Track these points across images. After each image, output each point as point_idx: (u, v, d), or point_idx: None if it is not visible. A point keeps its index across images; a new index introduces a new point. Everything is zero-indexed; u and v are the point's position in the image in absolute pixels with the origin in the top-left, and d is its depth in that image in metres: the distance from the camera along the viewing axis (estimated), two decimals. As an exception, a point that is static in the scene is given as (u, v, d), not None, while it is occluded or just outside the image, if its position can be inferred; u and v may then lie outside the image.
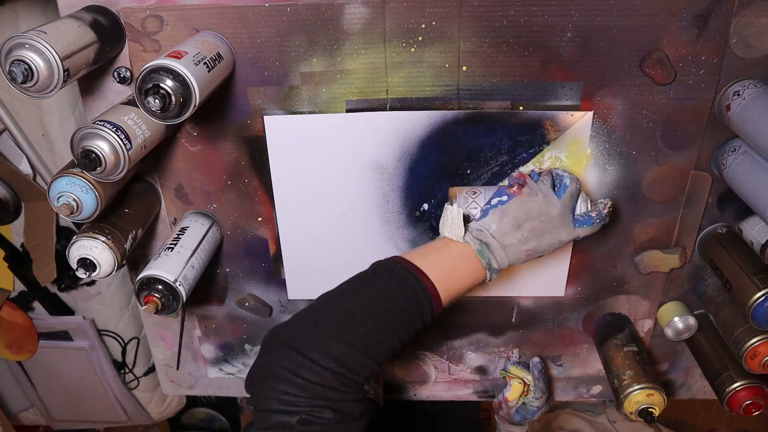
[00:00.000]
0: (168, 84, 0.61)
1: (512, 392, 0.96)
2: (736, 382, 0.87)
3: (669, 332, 0.93)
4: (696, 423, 1.98)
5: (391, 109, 0.80)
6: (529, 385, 0.96)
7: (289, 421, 0.55)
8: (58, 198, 0.67)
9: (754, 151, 0.75)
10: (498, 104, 0.79)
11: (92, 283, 1.44)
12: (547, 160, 0.82)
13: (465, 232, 0.69)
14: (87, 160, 0.62)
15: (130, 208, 0.80)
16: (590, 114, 0.79)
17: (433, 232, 0.88)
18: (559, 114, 0.79)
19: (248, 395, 0.61)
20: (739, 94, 0.73)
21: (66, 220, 1.37)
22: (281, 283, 0.95)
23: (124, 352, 1.55)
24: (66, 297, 1.48)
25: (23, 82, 0.59)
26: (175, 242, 0.81)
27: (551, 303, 0.96)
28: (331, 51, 0.76)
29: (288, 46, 0.75)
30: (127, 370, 1.59)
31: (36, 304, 1.50)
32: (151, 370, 1.62)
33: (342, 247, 0.90)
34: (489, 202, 0.72)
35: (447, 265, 0.68)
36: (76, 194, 0.67)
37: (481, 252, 0.68)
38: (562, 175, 0.74)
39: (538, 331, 1.00)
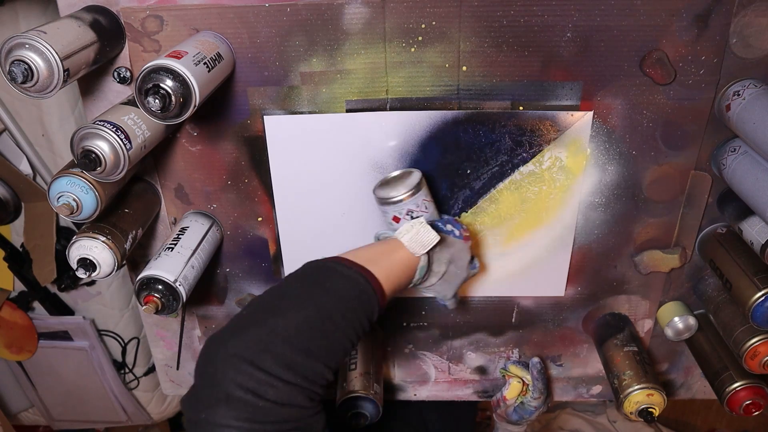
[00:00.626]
0: (168, 84, 0.61)
1: (511, 391, 0.96)
2: (736, 382, 0.87)
3: (669, 332, 0.93)
4: (696, 423, 1.98)
5: (391, 109, 0.80)
6: (528, 384, 0.96)
7: None
8: (58, 198, 0.67)
9: (754, 151, 0.75)
10: (498, 104, 0.79)
11: (92, 283, 1.44)
12: (547, 160, 0.82)
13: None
14: (87, 160, 0.62)
15: (130, 208, 0.80)
16: (590, 114, 0.79)
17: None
18: (559, 114, 0.79)
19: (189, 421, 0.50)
20: (739, 94, 0.73)
21: (66, 220, 1.37)
22: (281, 283, 0.95)
23: (124, 352, 1.55)
24: (66, 297, 1.48)
25: (23, 82, 0.59)
26: (175, 242, 0.81)
27: (551, 303, 0.96)
28: (331, 51, 0.76)
29: (288, 46, 0.75)
30: (127, 370, 1.59)
31: (36, 304, 1.50)
32: (151, 370, 1.61)
33: (342, 247, 0.89)
34: (443, 222, 0.77)
35: (395, 272, 0.68)
36: (76, 194, 0.67)
37: (422, 269, 0.72)
38: (474, 257, 0.81)
39: (538, 331, 1.00)
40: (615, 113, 0.79)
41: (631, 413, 0.89)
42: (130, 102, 0.69)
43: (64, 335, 1.52)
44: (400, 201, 0.76)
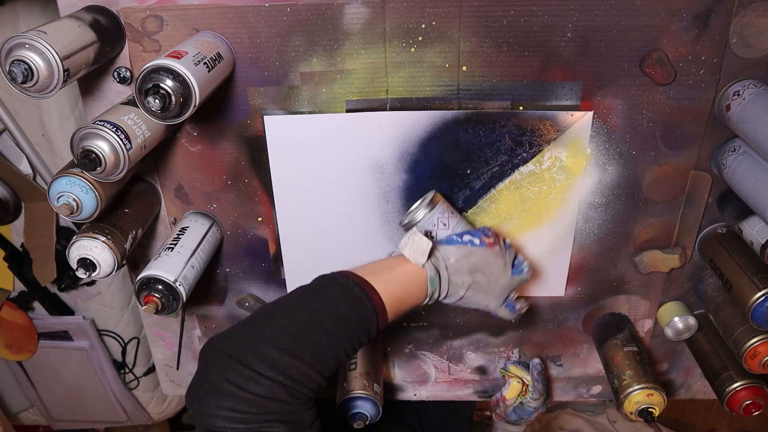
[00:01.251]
0: (168, 84, 0.61)
1: (510, 391, 0.97)
2: (736, 382, 0.87)
3: (669, 332, 0.93)
4: (696, 423, 1.98)
5: (391, 109, 0.80)
6: (527, 385, 0.96)
7: None
8: (58, 198, 0.67)
9: (754, 151, 0.75)
10: (498, 104, 0.79)
11: (92, 283, 1.44)
12: (547, 160, 0.82)
13: (426, 261, 0.70)
14: (87, 160, 0.62)
15: (130, 208, 0.80)
16: (590, 114, 0.79)
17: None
18: (559, 114, 0.79)
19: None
20: (739, 94, 0.73)
21: (66, 220, 1.37)
22: (281, 283, 0.95)
23: (124, 352, 1.55)
24: (66, 297, 1.48)
25: (23, 82, 0.59)
26: (175, 242, 0.81)
27: (551, 303, 0.96)
28: (331, 51, 0.76)
29: (288, 46, 0.75)
30: (127, 370, 1.59)
31: (36, 304, 1.50)
32: (151, 370, 1.61)
33: (342, 247, 0.90)
34: (460, 235, 0.75)
35: (398, 284, 0.68)
36: (76, 194, 0.67)
37: (432, 280, 0.70)
38: (522, 262, 0.78)
39: (538, 331, 1.00)
40: (615, 113, 0.79)
41: (631, 413, 0.89)
42: (130, 102, 0.69)
43: (64, 335, 1.52)
44: (415, 224, 0.79)
